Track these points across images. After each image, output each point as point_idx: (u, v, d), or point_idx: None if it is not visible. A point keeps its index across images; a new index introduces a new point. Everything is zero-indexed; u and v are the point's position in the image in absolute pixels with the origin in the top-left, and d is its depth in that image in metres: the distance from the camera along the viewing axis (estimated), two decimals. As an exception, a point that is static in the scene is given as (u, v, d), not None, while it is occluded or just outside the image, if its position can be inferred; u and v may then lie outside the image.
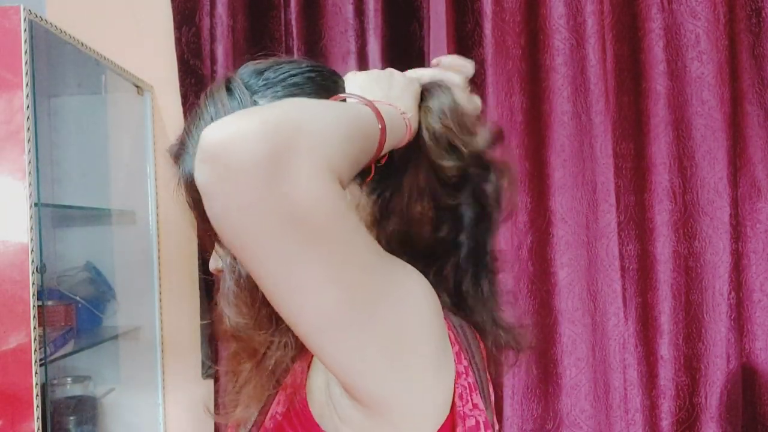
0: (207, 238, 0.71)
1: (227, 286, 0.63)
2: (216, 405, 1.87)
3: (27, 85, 1.44)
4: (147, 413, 2.00)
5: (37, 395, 1.41)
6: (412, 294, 0.58)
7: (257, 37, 1.91)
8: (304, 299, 0.50)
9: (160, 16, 1.98)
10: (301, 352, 0.64)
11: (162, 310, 2.02)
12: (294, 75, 0.69)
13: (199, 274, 1.99)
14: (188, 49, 1.94)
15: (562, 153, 1.81)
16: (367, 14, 1.84)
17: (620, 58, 1.82)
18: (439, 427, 0.61)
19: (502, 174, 0.70)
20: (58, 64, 1.84)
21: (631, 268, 1.82)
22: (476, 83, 1.82)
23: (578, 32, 1.80)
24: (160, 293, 2.01)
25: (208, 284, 1.93)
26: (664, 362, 1.80)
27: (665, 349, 1.79)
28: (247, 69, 0.70)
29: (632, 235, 1.82)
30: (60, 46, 1.65)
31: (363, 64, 1.85)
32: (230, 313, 0.62)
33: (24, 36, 1.43)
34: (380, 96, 0.63)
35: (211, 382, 1.91)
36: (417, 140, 0.66)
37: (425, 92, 0.69)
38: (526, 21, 1.83)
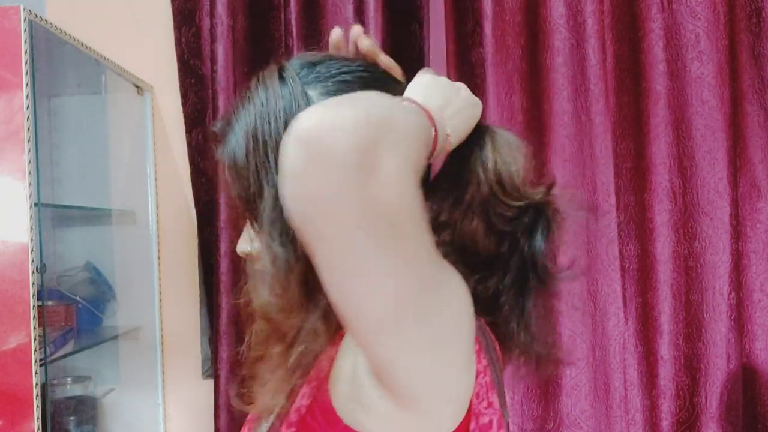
0: (236, 220, 0.71)
1: (263, 265, 0.63)
2: (216, 405, 1.87)
3: (27, 85, 1.44)
4: (147, 413, 2.00)
5: (37, 395, 1.41)
6: (457, 293, 0.59)
7: (257, 37, 1.92)
8: (368, 290, 0.51)
9: (160, 16, 1.99)
10: (328, 344, 0.64)
11: (162, 310, 2.02)
12: (345, 72, 0.69)
13: (199, 274, 1.99)
14: (188, 49, 1.94)
15: (562, 153, 1.81)
16: (367, 14, 1.84)
17: (620, 58, 1.82)
18: (459, 423, 0.62)
19: (555, 213, 0.73)
20: (58, 64, 1.84)
21: (631, 268, 1.82)
22: (476, 83, 1.82)
23: (578, 32, 1.80)
24: (160, 293, 2.01)
25: (208, 284, 1.93)
26: (664, 362, 1.80)
27: (665, 349, 1.79)
28: (300, 60, 0.70)
29: (632, 235, 1.82)
30: (60, 46, 1.65)
31: (363, 64, 1.85)
32: (264, 292, 0.62)
33: (24, 36, 1.43)
34: (435, 105, 0.63)
35: (211, 382, 1.91)
36: (481, 163, 0.69)
37: (493, 133, 0.71)
38: (526, 21, 1.83)
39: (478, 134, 0.70)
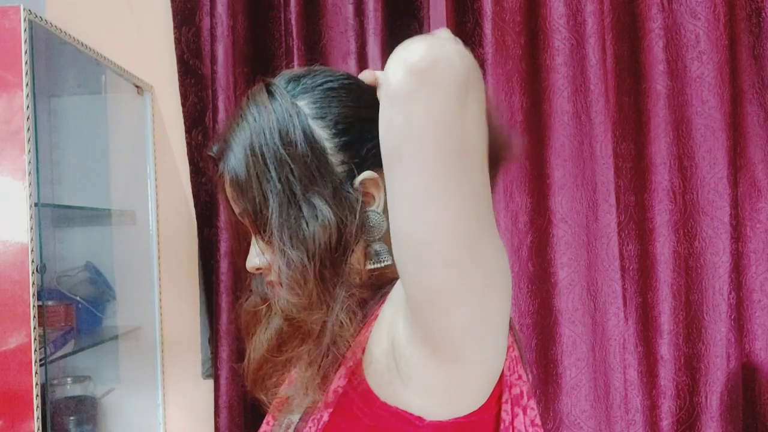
0: (238, 233, 0.75)
1: (278, 269, 0.66)
2: (216, 405, 1.87)
3: (27, 85, 1.44)
4: (147, 413, 2.00)
5: (37, 395, 1.41)
6: (503, 252, 0.61)
7: (257, 37, 1.92)
8: (444, 213, 0.54)
9: (160, 16, 1.99)
10: (358, 331, 0.67)
11: (162, 310, 2.02)
12: (330, 81, 0.72)
13: (199, 274, 1.99)
14: (188, 49, 1.94)
15: (562, 153, 1.81)
16: (367, 14, 1.84)
17: (620, 58, 1.82)
18: (490, 392, 0.65)
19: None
20: (58, 64, 1.84)
21: (631, 268, 1.82)
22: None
23: (578, 32, 1.80)
24: (160, 293, 2.01)
25: (208, 284, 1.93)
26: (664, 362, 1.80)
27: (665, 349, 1.80)
28: (284, 76, 0.74)
29: (632, 235, 1.82)
30: (60, 46, 1.65)
31: (363, 64, 1.85)
32: (285, 294, 0.65)
33: (24, 36, 1.43)
34: None
35: (211, 382, 1.91)
36: None
37: None
38: (526, 21, 1.83)
39: None
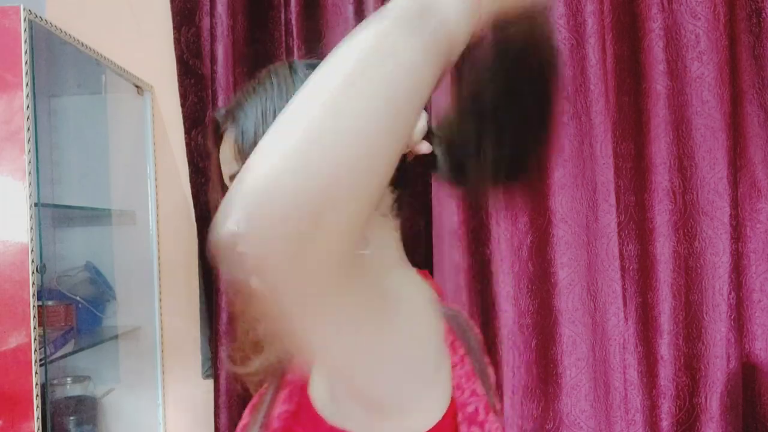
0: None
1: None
2: (216, 405, 1.87)
3: (27, 85, 1.43)
4: (147, 413, 2.00)
5: (37, 395, 1.41)
6: (413, 302, 0.61)
7: (257, 37, 1.91)
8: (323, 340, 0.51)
9: (160, 16, 1.98)
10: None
11: (162, 310, 2.02)
12: None
13: (199, 274, 1.99)
14: (188, 49, 1.94)
15: (562, 153, 1.81)
16: (367, 14, 1.84)
17: (620, 58, 1.82)
18: (440, 419, 0.62)
19: None
20: (58, 64, 1.84)
21: (631, 268, 1.82)
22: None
23: (578, 32, 1.80)
24: (160, 293, 2.01)
25: (208, 284, 1.93)
26: (664, 362, 1.80)
27: (665, 349, 1.79)
28: (306, 61, 0.73)
29: (632, 235, 1.82)
30: (60, 46, 1.65)
31: (363, 64, 1.85)
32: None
33: (24, 36, 1.43)
34: None
35: (211, 382, 1.91)
36: None
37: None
38: (526, 21, 1.83)
39: None
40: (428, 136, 0.68)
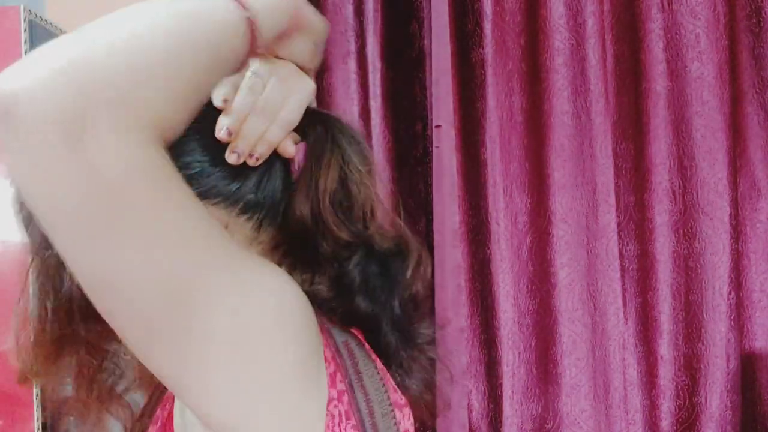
0: None
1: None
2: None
3: (27, 85, 1.43)
4: (147, 413, 2.00)
5: (37, 395, 1.41)
6: (272, 299, 0.49)
7: (257, 37, 1.91)
8: (121, 296, 0.43)
9: (160, 16, 1.98)
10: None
11: (162, 310, 2.01)
12: None
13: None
14: (188, 49, 1.94)
15: (562, 153, 1.81)
16: (367, 14, 1.84)
17: (620, 58, 1.82)
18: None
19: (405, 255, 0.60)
20: (58, 64, 1.83)
21: (631, 268, 1.82)
22: (476, 83, 1.82)
23: (578, 32, 1.80)
24: (160, 293, 2.01)
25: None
26: (664, 362, 1.80)
27: (665, 349, 1.80)
28: None
29: (632, 235, 1.82)
30: (60, 46, 1.64)
31: (363, 64, 1.85)
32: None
33: (24, 36, 1.43)
34: None
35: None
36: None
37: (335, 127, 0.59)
38: (526, 21, 1.83)
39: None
40: (302, 132, 0.58)
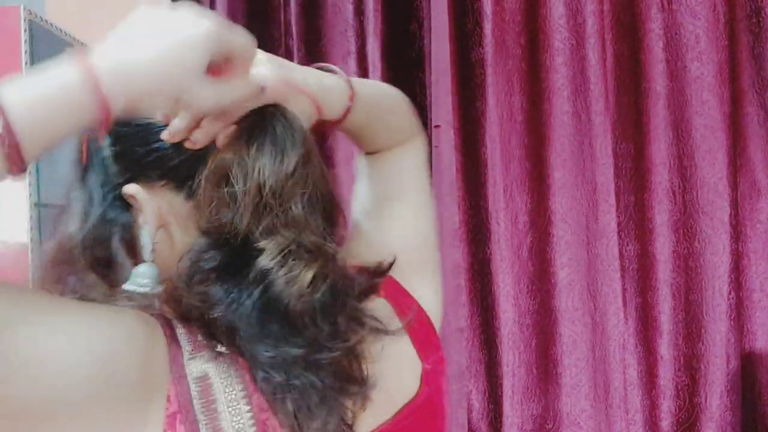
0: None
1: None
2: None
3: (27, 85, 1.43)
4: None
5: (37, 395, 1.40)
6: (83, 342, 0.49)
7: (257, 37, 1.91)
8: None
9: (160, 16, 1.98)
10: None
11: (162, 310, 2.01)
12: None
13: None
14: (188, 49, 1.94)
15: (562, 153, 1.81)
16: (367, 14, 1.84)
17: (620, 58, 1.82)
18: None
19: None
20: (58, 64, 1.84)
21: (631, 268, 1.82)
22: (476, 83, 1.82)
23: (578, 32, 1.80)
24: (160, 293, 2.01)
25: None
26: (664, 362, 1.80)
27: (665, 349, 1.80)
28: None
29: (632, 235, 1.82)
30: (60, 46, 1.65)
31: (363, 64, 1.85)
32: None
33: (23, 36, 1.43)
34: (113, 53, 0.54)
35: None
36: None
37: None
38: (526, 21, 1.83)
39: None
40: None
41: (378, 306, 0.63)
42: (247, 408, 0.53)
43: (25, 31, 1.43)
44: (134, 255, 0.59)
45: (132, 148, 0.59)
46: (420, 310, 0.70)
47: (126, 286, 0.58)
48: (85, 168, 0.62)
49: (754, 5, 1.79)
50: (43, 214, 1.49)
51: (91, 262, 0.60)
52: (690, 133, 1.79)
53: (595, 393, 1.81)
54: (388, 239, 0.72)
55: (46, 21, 1.54)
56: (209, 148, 0.57)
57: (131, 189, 0.58)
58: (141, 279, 0.58)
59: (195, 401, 0.52)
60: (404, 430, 0.63)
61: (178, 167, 0.58)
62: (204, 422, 0.51)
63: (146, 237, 0.59)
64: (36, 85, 0.52)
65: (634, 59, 1.82)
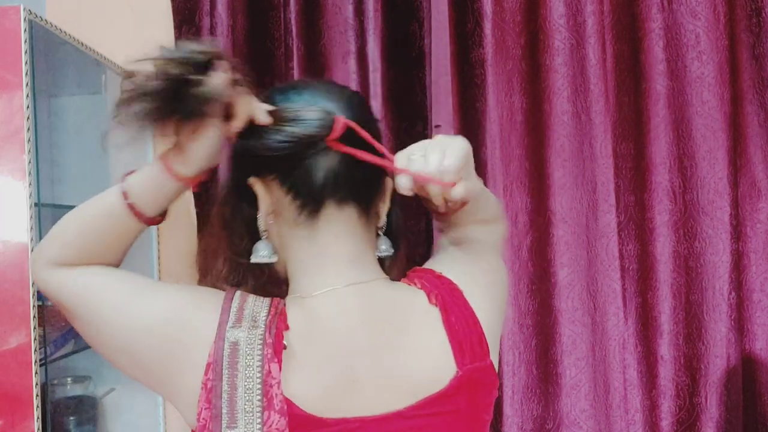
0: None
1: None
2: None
3: (27, 85, 1.44)
4: (147, 413, 2.00)
5: (37, 395, 1.41)
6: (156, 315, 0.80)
7: (257, 37, 1.91)
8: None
9: (160, 16, 1.98)
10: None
11: (162, 310, 2.01)
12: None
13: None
14: (188, 49, 1.94)
15: (562, 153, 1.81)
16: (367, 14, 1.84)
17: (620, 58, 1.82)
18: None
19: None
20: (58, 64, 1.84)
21: (631, 268, 1.82)
22: (476, 83, 1.82)
23: (578, 32, 1.80)
24: (160, 293, 2.01)
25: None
26: (664, 362, 1.80)
27: (665, 349, 1.80)
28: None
29: (632, 235, 1.82)
30: (60, 46, 1.65)
31: (363, 64, 1.85)
32: None
33: (24, 36, 1.43)
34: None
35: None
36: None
37: None
38: (526, 21, 1.83)
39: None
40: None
41: (417, 296, 0.77)
42: (259, 375, 0.70)
43: (25, 31, 1.43)
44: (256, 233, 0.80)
45: (253, 149, 0.78)
46: (472, 317, 0.78)
47: (252, 259, 0.79)
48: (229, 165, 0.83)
49: (754, 5, 1.79)
50: (43, 214, 1.49)
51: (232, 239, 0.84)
52: (690, 133, 1.79)
53: (595, 393, 1.81)
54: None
55: (46, 21, 1.54)
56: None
57: (252, 180, 0.79)
58: (261, 252, 0.79)
59: (225, 359, 0.70)
60: (421, 421, 0.72)
61: (282, 166, 0.77)
62: (226, 376, 0.70)
63: (261, 220, 0.80)
64: (142, 173, 0.84)
65: (634, 59, 1.82)
